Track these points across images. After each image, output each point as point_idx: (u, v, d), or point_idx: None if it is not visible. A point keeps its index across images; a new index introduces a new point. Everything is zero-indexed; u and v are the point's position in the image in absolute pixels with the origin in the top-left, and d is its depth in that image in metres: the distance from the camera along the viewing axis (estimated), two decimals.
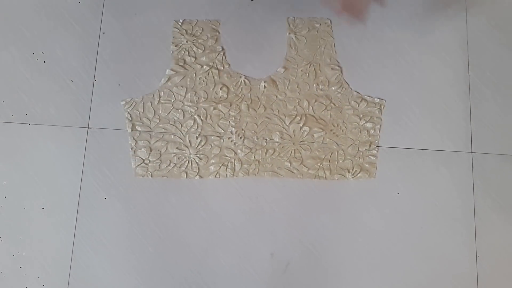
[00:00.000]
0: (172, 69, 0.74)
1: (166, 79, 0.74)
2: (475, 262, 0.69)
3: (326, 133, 0.72)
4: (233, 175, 0.70)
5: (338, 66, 0.75)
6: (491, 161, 0.72)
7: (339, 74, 0.74)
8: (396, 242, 0.69)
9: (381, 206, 0.70)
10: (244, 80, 0.73)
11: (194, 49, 0.75)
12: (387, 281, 0.68)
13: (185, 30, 0.75)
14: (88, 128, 0.72)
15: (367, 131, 0.73)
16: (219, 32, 0.75)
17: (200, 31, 0.75)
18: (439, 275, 0.68)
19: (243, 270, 0.68)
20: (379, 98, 0.74)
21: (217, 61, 0.74)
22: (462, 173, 0.72)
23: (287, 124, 0.72)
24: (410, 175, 0.71)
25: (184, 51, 0.75)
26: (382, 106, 0.74)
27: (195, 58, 0.74)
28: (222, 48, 0.74)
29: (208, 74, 0.74)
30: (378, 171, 0.71)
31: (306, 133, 0.72)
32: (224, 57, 0.74)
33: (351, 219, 0.70)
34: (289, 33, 0.76)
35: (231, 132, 0.72)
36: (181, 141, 0.71)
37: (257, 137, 0.72)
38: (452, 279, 0.68)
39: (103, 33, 0.75)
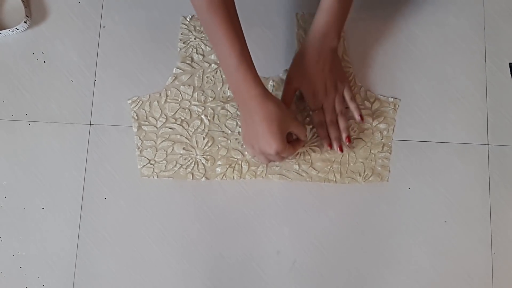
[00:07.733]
0: (179, 67, 0.71)
1: (173, 78, 0.71)
2: (491, 259, 0.68)
3: None
4: (240, 177, 0.69)
5: (350, 64, 0.71)
6: (508, 154, 0.70)
7: (351, 73, 0.71)
8: (407, 238, 0.68)
9: (391, 201, 0.69)
10: None
11: (202, 47, 0.71)
12: (398, 279, 0.67)
13: (194, 26, 0.72)
14: (90, 124, 0.71)
15: (380, 132, 0.70)
16: None
17: None
18: (453, 272, 0.68)
19: (249, 267, 0.68)
20: (394, 98, 0.71)
21: None
22: (478, 166, 0.70)
23: None
24: (422, 169, 0.69)
25: (192, 49, 0.71)
26: (397, 106, 0.71)
27: (203, 56, 0.71)
28: None
29: (216, 73, 0.71)
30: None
31: (316, 134, 0.70)
32: None
33: (360, 214, 0.68)
34: (298, 30, 0.72)
35: (239, 132, 0.70)
36: (188, 141, 0.70)
37: None
38: (466, 277, 0.68)
39: (104, 27, 0.73)
